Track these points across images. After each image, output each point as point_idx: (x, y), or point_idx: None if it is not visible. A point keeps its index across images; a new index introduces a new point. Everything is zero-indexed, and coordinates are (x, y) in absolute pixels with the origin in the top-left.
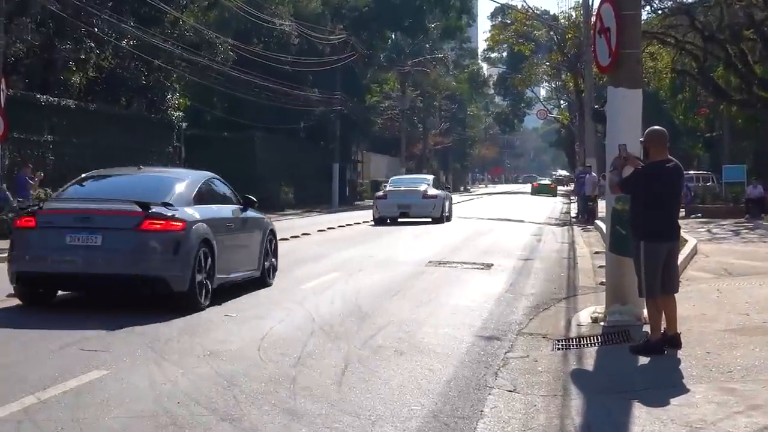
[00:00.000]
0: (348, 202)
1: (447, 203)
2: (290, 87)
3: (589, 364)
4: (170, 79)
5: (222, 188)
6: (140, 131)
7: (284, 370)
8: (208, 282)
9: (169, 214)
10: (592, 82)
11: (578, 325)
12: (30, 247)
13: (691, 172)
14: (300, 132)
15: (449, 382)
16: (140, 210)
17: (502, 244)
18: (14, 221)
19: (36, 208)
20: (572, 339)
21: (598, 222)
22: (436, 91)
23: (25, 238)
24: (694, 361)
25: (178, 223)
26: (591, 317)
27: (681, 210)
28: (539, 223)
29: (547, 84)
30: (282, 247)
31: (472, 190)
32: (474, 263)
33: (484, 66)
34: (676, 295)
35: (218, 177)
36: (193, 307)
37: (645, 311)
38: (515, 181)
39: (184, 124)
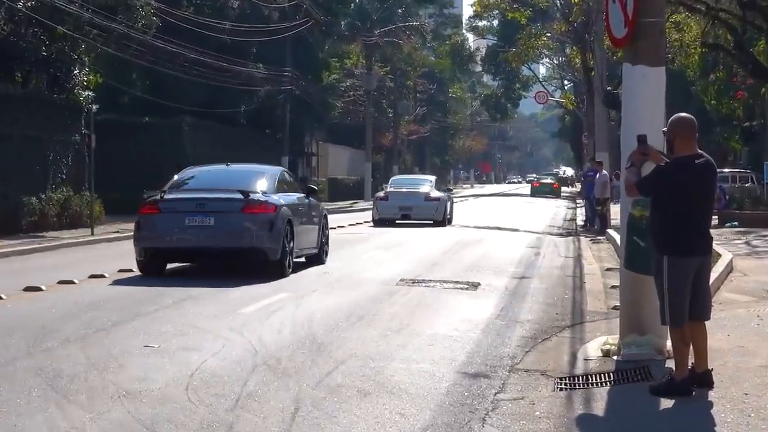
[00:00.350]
0: None
1: (448, 205)
2: (228, 61)
3: (599, 408)
4: (78, 51)
5: (290, 178)
6: (39, 115)
7: (219, 414)
8: (290, 255)
9: (264, 200)
10: (604, 58)
11: (586, 359)
12: (155, 228)
13: (726, 170)
14: (240, 118)
15: (425, 430)
16: (242, 197)
17: (492, 259)
18: (141, 208)
19: (158, 197)
20: (578, 377)
21: (611, 231)
22: (410, 67)
23: (151, 221)
24: (729, 404)
25: (271, 207)
26: (601, 350)
27: (713, 217)
28: (538, 233)
29: (547, 60)
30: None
31: (454, 191)
32: (457, 282)
33: (470, 37)
34: (707, 322)
35: (286, 169)
36: (282, 274)
37: (668, 342)
38: (506, 180)
39: (95, 107)
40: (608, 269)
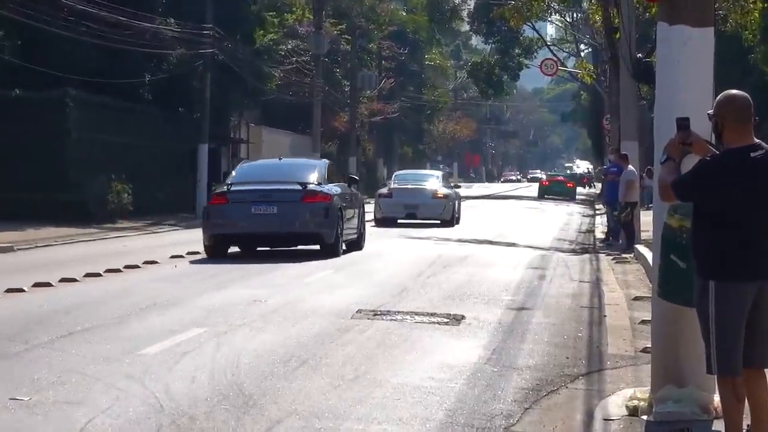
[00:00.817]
0: None
1: (457, 204)
2: (128, 16)
3: None
4: None
5: (334, 169)
6: None
7: None
8: (341, 238)
9: (320, 190)
10: (632, 14)
11: (606, 419)
12: (224, 216)
13: None
14: (145, 91)
15: None
16: (301, 188)
17: (482, 283)
18: (209, 199)
19: (225, 189)
20: None
21: (641, 248)
22: (373, 25)
23: (220, 210)
24: None
25: (326, 197)
26: (627, 407)
27: None
28: (543, 249)
29: (558, 18)
30: (110, 285)
31: None
32: (433, 314)
33: None
34: None
35: (330, 162)
36: (335, 254)
37: (716, 397)
38: (501, 178)
39: None
40: (636, 298)
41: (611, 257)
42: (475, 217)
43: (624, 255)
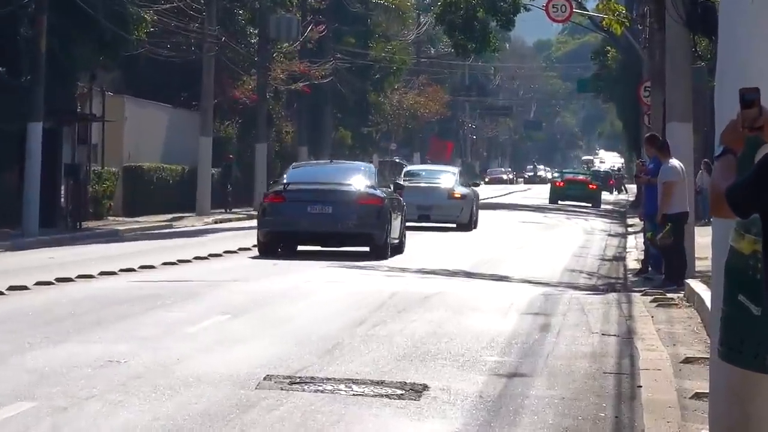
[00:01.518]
0: (68, 221)
1: (475, 205)
2: None
3: None
4: None
5: (378, 174)
6: None
7: None
8: (389, 240)
9: (373, 193)
10: None
11: None
12: (281, 214)
13: None
14: None
15: None
16: (356, 189)
17: (455, 335)
18: (265, 197)
19: (281, 188)
20: None
21: (694, 284)
22: None
23: (277, 208)
24: None
25: (379, 200)
26: None
27: None
28: (548, 285)
29: None
30: None
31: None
32: (381, 384)
33: None
34: None
35: (375, 166)
36: (384, 256)
37: None
38: (485, 174)
39: None
40: (687, 360)
41: (650, 298)
42: (448, 238)
43: (669, 295)
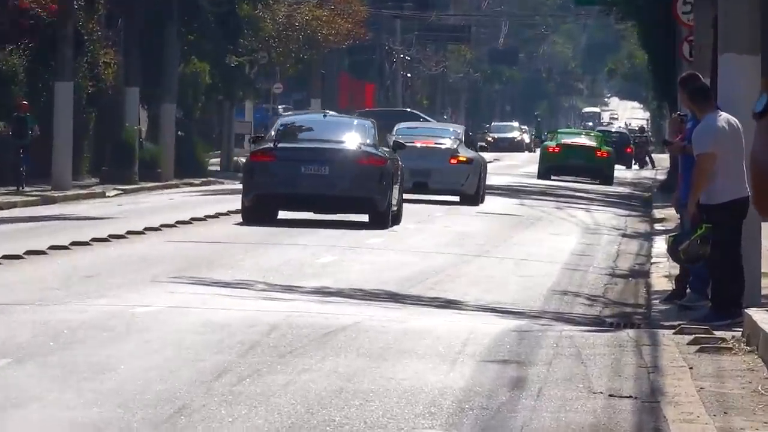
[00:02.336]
0: None
1: (483, 173)
2: None
3: None
4: None
5: (377, 131)
6: None
7: None
8: (391, 208)
9: (375, 152)
10: None
11: None
12: (270, 175)
13: None
14: None
15: None
16: (356, 148)
17: (373, 393)
18: (252, 155)
19: (271, 146)
20: None
21: (759, 316)
22: None
23: (266, 167)
24: None
25: (382, 160)
26: None
27: None
28: (524, 315)
29: None
30: None
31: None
32: None
33: None
34: None
35: (374, 121)
36: (384, 225)
37: None
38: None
39: None
40: None
41: (688, 339)
42: (367, 238)
43: (718, 333)
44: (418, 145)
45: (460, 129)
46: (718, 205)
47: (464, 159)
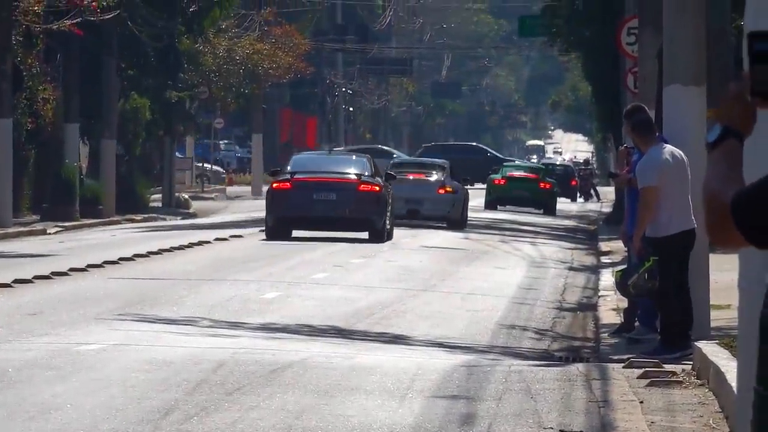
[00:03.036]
0: None
1: (465, 201)
2: None
3: None
4: None
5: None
6: None
7: None
8: (386, 226)
9: (373, 181)
10: None
11: None
12: (288, 201)
13: None
14: None
15: None
16: (356, 178)
17: (321, 431)
18: (271, 185)
19: (288, 177)
20: None
21: (708, 348)
22: None
23: (285, 195)
24: None
25: (377, 187)
26: None
27: None
28: (473, 350)
29: None
30: None
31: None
32: None
33: None
34: None
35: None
36: (381, 239)
37: None
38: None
39: None
40: None
41: (638, 372)
42: (314, 268)
43: (666, 366)
44: (411, 177)
45: (446, 164)
46: (664, 237)
47: (450, 189)
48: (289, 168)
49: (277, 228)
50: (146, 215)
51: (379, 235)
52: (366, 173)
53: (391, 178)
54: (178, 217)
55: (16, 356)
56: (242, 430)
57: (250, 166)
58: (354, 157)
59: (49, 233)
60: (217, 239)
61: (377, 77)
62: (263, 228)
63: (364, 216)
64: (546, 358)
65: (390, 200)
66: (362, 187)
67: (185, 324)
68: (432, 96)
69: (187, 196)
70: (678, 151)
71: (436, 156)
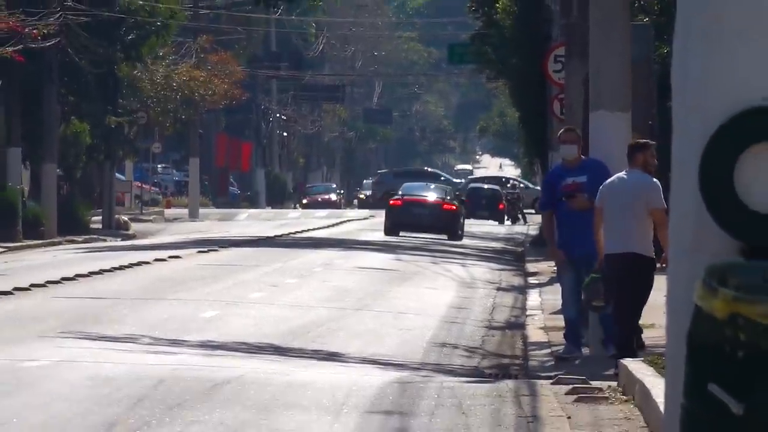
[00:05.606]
0: None
1: (463, 218)
2: None
3: None
4: None
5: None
6: None
7: None
8: (461, 231)
9: (452, 202)
10: None
11: None
12: (398, 213)
13: None
14: None
15: None
16: (441, 200)
17: None
18: (389, 201)
19: (399, 196)
20: None
21: (635, 365)
22: None
23: (397, 208)
24: None
25: (455, 206)
26: None
27: None
28: (405, 367)
29: None
30: None
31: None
32: None
33: None
34: None
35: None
36: (457, 240)
37: None
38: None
39: None
40: None
41: (567, 388)
42: (251, 288)
43: (593, 382)
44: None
45: (448, 188)
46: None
47: (450, 209)
48: (400, 192)
49: (392, 229)
50: (87, 236)
51: (457, 237)
52: (448, 197)
53: (461, 200)
54: (118, 239)
55: None
56: None
57: (187, 189)
58: (440, 185)
59: None
60: (156, 260)
61: (311, 103)
62: (202, 249)
63: (447, 224)
64: (477, 375)
65: (463, 215)
66: (445, 206)
67: (127, 341)
68: (364, 122)
69: (126, 218)
70: (623, 175)
71: (390, 179)
